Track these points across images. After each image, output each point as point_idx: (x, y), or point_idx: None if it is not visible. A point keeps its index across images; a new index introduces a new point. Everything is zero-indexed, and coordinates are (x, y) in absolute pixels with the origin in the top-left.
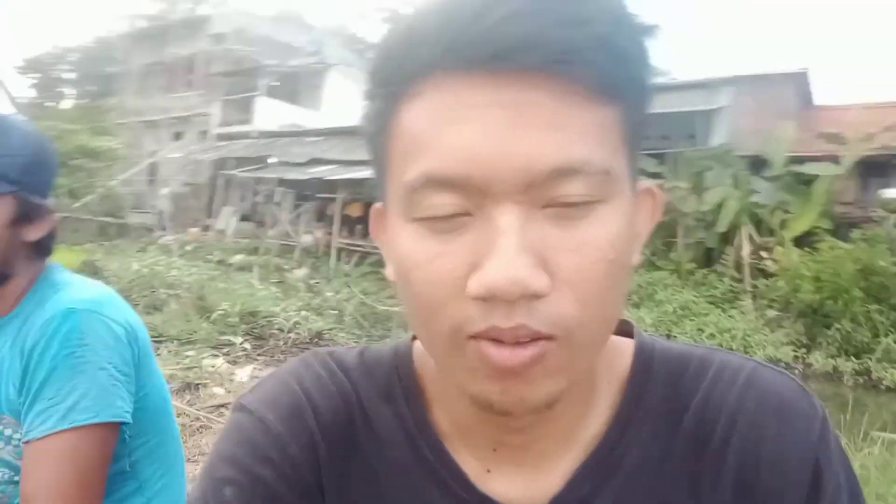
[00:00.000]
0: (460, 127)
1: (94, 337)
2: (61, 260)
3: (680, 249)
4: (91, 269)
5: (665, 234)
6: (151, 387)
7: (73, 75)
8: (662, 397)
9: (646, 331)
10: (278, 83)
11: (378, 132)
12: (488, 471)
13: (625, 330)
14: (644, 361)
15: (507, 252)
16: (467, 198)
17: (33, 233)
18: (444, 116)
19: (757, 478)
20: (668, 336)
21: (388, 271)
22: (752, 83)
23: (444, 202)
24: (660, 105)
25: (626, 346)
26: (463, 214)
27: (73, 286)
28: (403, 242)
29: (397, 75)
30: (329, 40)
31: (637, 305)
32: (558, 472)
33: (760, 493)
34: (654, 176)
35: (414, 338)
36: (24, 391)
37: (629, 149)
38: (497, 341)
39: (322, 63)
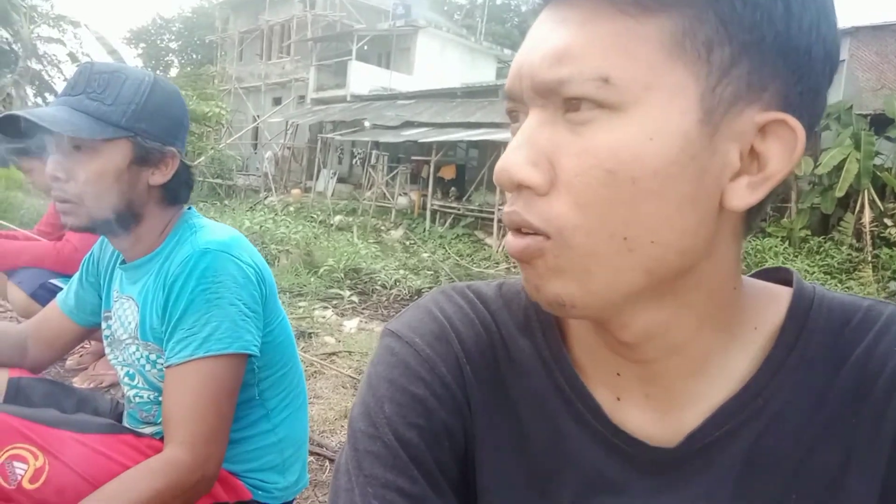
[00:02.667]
0: (520, 49)
1: (226, 275)
2: None
3: (793, 215)
4: None
5: (776, 199)
6: (276, 324)
7: (176, 45)
8: (819, 345)
9: (812, 283)
10: (369, 47)
11: None
12: (618, 399)
13: (785, 278)
14: (801, 309)
15: (511, 145)
16: (520, 106)
17: (157, 177)
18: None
19: None
20: None
21: None
22: (872, 34)
23: (511, 111)
24: None
25: (783, 293)
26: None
27: (209, 229)
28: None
29: (529, 16)
30: (417, 2)
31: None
32: (694, 409)
33: None
34: None
35: None
36: (165, 320)
37: (699, 64)
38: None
39: (411, 26)
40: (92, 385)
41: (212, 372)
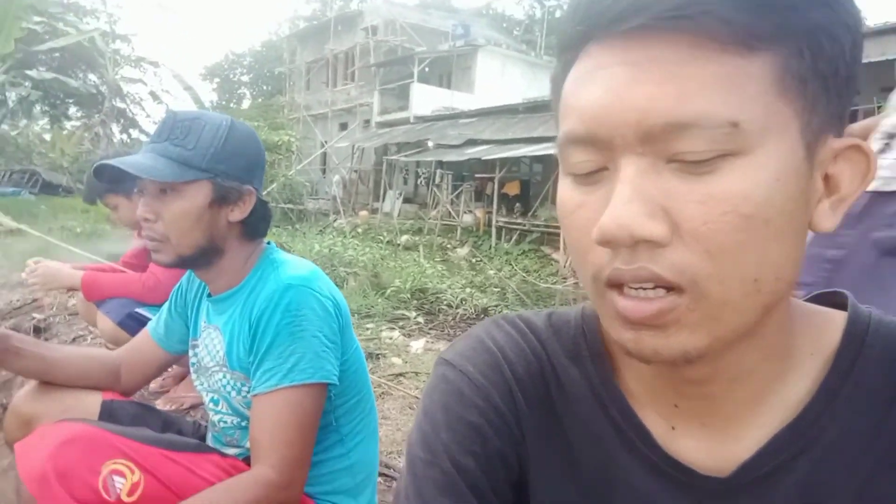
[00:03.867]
0: (591, 88)
1: (308, 309)
2: None
3: None
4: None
5: None
6: (352, 353)
7: (247, 77)
8: (876, 373)
9: (868, 307)
10: (430, 69)
11: (554, 94)
12: (673, 428)
13: (839, 302)
14: (856, 335)
15: (619, 198)
16: (600, 153)
17: (235, 214)
18: (582, 79)
19: None
20: None
21: None
22: None
23: (582, 158)
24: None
25: (838, 318)
26: (601, 169)
27: (289, 264)
28: (560, 191)
29: (564, 45)
30: (475, 22)
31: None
32: (749, 438)
33: None
34: None
35: None
36: (252, 352)
37: (798, 100)
38: (624, 292)
39: (471, 45)
40: (173, 407)
41: (297, 400)
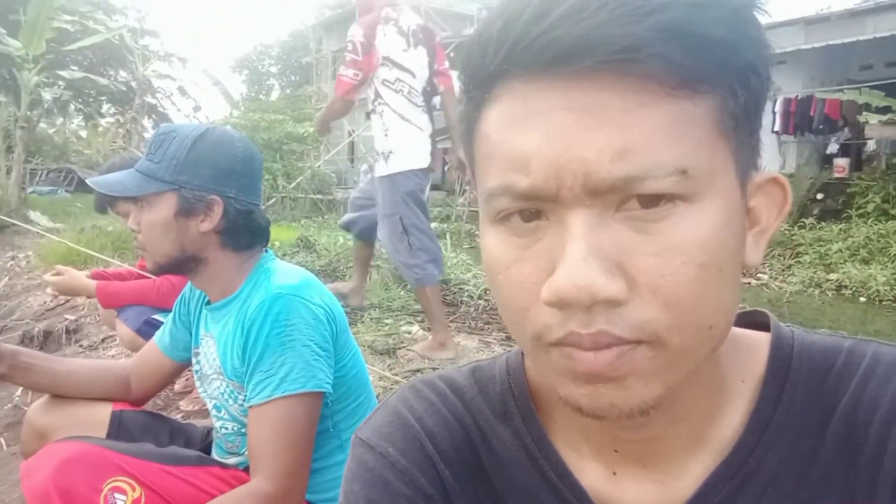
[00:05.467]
0: (528, 135)
1: (298, 318)
2: (281, 237)
3: None
4: (305, 244)
5: None
6: (349, 358)
7: (275, 68)
8: (805, 396)
9: (789, 325)
10: (455, 53)
11: (468, 132)
12: (614, 473)
13: (761, 322)
14: (781, 357)
15: (574, 257)
16: (540, 204)
17: (205, 224)
18: (514, 123)
19: None
20: None
21: None
22: None
23: (518, 209)
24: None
25: (762, 341)
26: (539, 220)
27: (280, 273)
28: (488, 244)
29: (476, 81)
30: None
31: (867, 261)
32: (690, 475)
33: None
34: (883, 111)
35: None
36: (245, 361)
37: (732, 139)
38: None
39: None
40: (196, 407)
41: (290, 410)
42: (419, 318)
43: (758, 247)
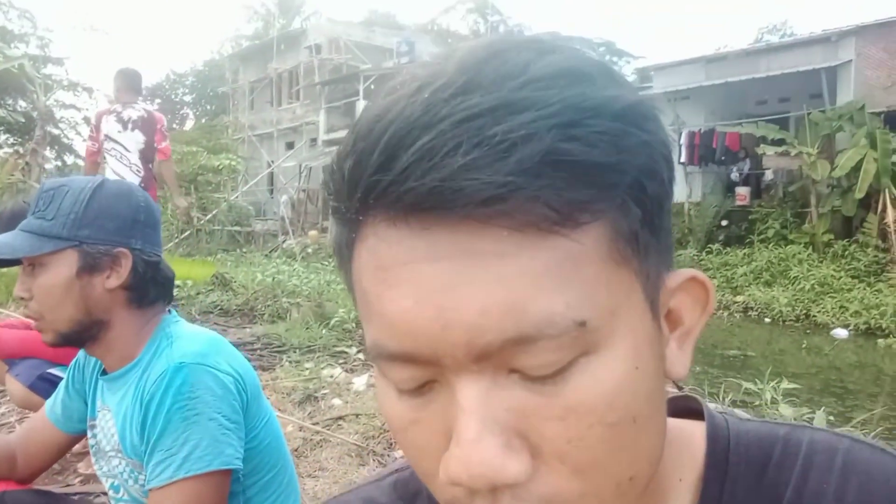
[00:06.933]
0: (396, 291)
1: (203, 389)
2: (195, 273)
3: (814, 220)
4: (221, 282)
5: (796, 205)
6: (262, 426)
7: (190, 97)
8: (746, 492)
9: (720, 411)
10: (376, 86)
11: (343, 263)
12: None
13: (693, 408)
14: (719, 454)
15: (465, 438)
16: (424, 368)
17: (111, 280)
18: (381, 277)
19: None
20: (807, 316)
21: None
22: (878, 31)
23: (403, 375)
24: (777, 66)
25: (697, 432)
26: (429, 381)
27: (185, 339)
28: (384, 403)
29: (340, 218)
30: (420, 38)
31: (769, 284)
32: None
33: None
34: (777, 143)
35: None
36: (144, 440)
37: (633, 259)
38: None
39: (415, 63)
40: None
41: (194, 492)
42: (341, 361)
43: (683, 352)
